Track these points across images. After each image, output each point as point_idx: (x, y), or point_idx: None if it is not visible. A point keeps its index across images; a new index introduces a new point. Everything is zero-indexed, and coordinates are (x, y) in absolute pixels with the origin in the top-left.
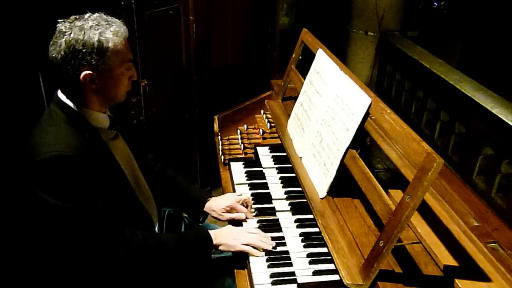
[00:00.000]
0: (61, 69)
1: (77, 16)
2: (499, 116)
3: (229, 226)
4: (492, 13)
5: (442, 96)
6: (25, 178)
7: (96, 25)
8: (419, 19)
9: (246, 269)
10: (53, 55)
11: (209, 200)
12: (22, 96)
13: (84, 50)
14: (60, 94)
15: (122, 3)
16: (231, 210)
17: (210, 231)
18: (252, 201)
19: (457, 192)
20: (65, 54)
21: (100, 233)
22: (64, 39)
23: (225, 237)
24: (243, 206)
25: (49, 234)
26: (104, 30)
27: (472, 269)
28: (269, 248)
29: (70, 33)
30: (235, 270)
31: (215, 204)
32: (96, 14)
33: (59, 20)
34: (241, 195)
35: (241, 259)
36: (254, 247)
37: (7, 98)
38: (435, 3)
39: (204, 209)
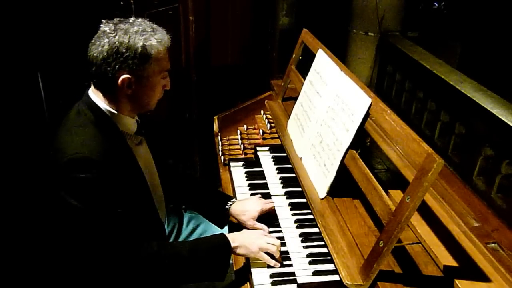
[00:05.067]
0: (100, 69)
1: (121, 19)
2: (499, 116)
3: (245, 230)
4: (492, 13)
5: (442, 96)
6: (44, 178)
7: (141, 30)
8: (419, 19)
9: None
10: (94, 54)
11: (233, 203)
12: (21, 96)
13: (127, 54)
14: (91, 94)
15: (122, 3)
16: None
17: (227, 235)
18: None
19: (457, 192)
20: (107, 55)
21: (114, 241)
22: (107, 40)
23: (244, 240)
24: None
25: (63, 236)
26: (149, 37)
27: (472, 270)
28: (277, 261)
29: (115, 35)
30: None
31: (242, 208)
32: (141, 19)
33: (103, 21)
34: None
35: (243, 272)
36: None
37: (6, 99)
38: (435, 3)
39: (230, 213)
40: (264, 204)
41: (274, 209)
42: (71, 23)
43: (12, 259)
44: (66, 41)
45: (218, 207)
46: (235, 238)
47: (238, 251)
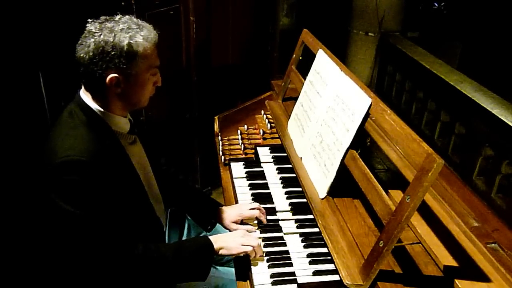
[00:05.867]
0: (88, 69)
1: (107, 17)
2: (499, 116)
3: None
4: (493, 13)
5: (442, 96)
6: (38, 180)
7: (127, 28)
8: (419, 19)
9: (248, 280)
10: (81, 55)
11: (220, 209)
12: (23, 95)
13: (113, 53)
14: (82, 95)
15: (123, 3)
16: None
17: (210, 237)
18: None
19: (457, 192)
20: (93, 55)
21: (100, 243)
22: (93, 40)
23: (225, 241)
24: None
25: (55, 237)
26: (135, 34)
27: (472, 270)
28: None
29: (100, 34)
30: (237, 282)
31: (226, 215)
32: (127, 17)
33: (89, 20)
34: (253, 207)
35: (243, 270)
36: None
37: (7, 98)
38: (435, 3)
39: (216, 218)
40: (247, 211)
41: (275, 209)
42: (72, 23)
43: (6, 259)
44: (67, 41)
45: (204, 213)
46: (217, 240)
47: (221, 252)
